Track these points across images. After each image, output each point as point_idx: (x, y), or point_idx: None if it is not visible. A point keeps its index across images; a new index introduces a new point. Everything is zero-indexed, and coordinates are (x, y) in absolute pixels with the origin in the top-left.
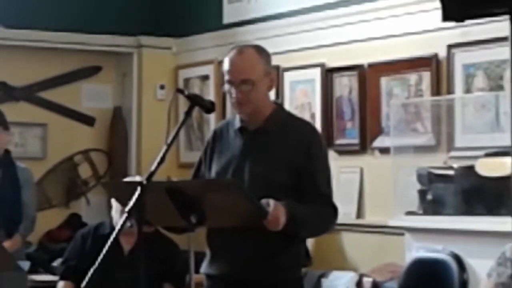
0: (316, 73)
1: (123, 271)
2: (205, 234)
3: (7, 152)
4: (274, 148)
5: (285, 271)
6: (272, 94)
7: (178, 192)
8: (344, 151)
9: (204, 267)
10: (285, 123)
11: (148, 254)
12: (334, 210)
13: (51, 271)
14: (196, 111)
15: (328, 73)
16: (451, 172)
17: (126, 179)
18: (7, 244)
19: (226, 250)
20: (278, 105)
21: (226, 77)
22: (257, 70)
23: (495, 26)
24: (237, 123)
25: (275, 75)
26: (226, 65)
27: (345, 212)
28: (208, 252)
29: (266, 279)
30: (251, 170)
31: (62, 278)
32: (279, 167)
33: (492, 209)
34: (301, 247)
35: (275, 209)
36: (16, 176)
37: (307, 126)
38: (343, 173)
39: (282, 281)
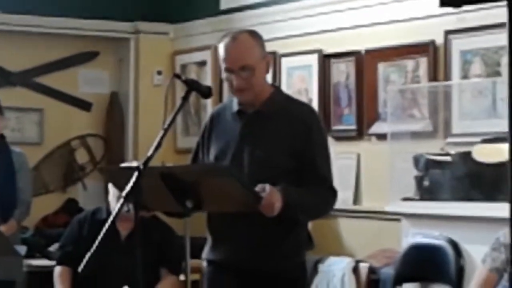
0: (313, 59)
1: (120, 256)
2: (206, 220)
3: (2, 137)
4: (273, 131)
5: (287, 256)
6: (269, 79)
7: (173, 178)
8: (341, 137)
9: (205, 253)
10: (284, 106)
11: (145, 239)
12: (333, 192)
13: (48, 256)
14: (193, 96)
15: (325, 59)
16: (448, 158)
17: (123, 165)
18: (2, 228)
19: (228, 236)
20: (276, 88)
21: (224, 65)
22: (254, 55)
23: (493, 12)
24: (235, 106)
25: (270, 58)
26: (222, 53)
27: (342, 198)
28: (209, 238)
29: (268, 264)
30: (250, 153)
31: (59, 263)
32: (278, 150)
33: (489, 195)
34: (303, 231)
35: (269, 195)
36: (11, 161)
37: (306, 108)
38: (340, 159)
39: (285, 266)
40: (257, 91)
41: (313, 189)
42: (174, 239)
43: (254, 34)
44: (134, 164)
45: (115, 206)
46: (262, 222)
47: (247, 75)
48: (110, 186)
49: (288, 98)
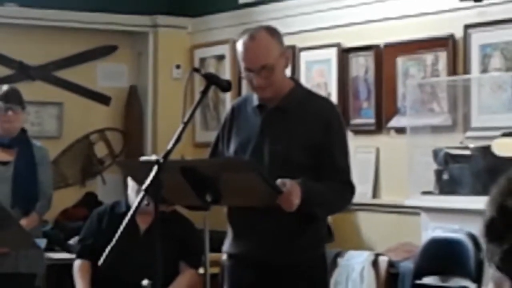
0: (332, 53)
1: (139, 250)
2: (226, 213)
3: (23, 131)
4: (293, 126)
5: (307, 249)
6: (288, 73)
7: (193, 171)
8: (360, 131)
9: (226, 246)
10: (304, 100)
11: (164, 233)
12: (351, 187)
13: (67, 249)
14: (211, 90)
15: (344, 53)
16: (467, 152)
17: (142, 159)
18: (23, 222)
19: (248, 230)
20: (296, 82)
21: (244, 65)
22: (273, 53)
23: None
24: (255, 100)
25: (289, 52)
26: (240, 52)
27: (361, 192)
28: (229, 231)
29: (289, 258)
30: (270, 148)
31: (78, 257)
32: (298, 145)
33: None
34: (322, 224)
35: (289, 190)
36: (32, 155)
37: (326, 103)
38: (359, 153)
39: (305, 259)
40: (277, 87)
41: (331, 184)
42: (194, 232)
43: (272, 31)
44: (153, 158)
45: (134, 200)
46: (282, 216)
47: (267, 73)
48: (129, 179)
49: (308, 93)
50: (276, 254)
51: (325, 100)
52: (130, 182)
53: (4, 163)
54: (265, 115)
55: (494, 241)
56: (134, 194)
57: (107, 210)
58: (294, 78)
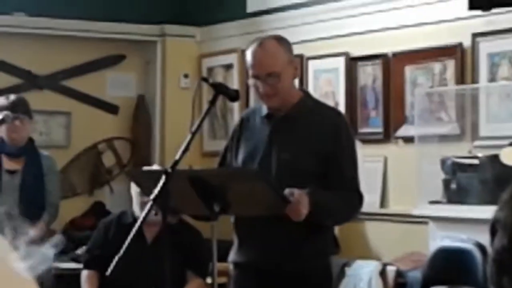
0: (340, 62)
1: (146, 260)
2: (233, 222)
3: (30, 140)
4: (301, 135)
5: (313, 259)
6: (296, 83)
7: (201, 181)
8: (368, 140)
9: (231, 256)
10: (312, 110)
11: (171, 242)
12: (359, 197)
13: (75, 259)
14: (219, 99)
15: (352, 62)
16: (475, 161)
17: (145, 169)
18: (31, 232)
19: (254, 239)
20: (305, 92)
21: (251, 72)
22: (280, 61)
23: None
24: (264, 110)
25: (298, 63)
26: (249, 59)
27: (369, 201)
28: (235, 240)
29: (294, 268)
30: (278, 157)
31: (85, 267)
32: (306, 154)
33: None
34: (328, 235)
35: (297, 200)
36: (40, 164)
37: (335, 113)
38: (367, 162)
39: (310, 269)
40: (283, 97)
41: (340, 193)
42: (201, 242)
43: (281, 40)
44: (155, 167)
45: (139, 213)
46: (286, 224)
47: (273, 81)
48: (133, 192)
49: (317, 103)
50: (281, 262)
51: (334, 110)
52: (134, 197)
53: (12, 172)
54: (273, 124)
55: None
56: (138, 208)
57: (113, 220)
58: (303, 88)
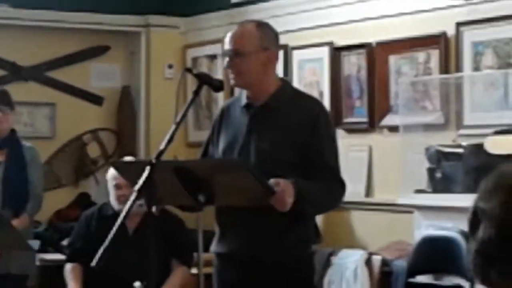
0: (325, 52)
1: (129, 251)
2: (214, 213)
3: (12, 131)
4: (280, 124)
5: (294, 249)
6: (280, 72)
7: (186, 172)
8: (352, 130)
9: (213, 246)
10: (291, 100)
11: (155, 232)
12: (342, 185)
13: (61, 250)
14: (204, 89)
15: (337, 52)
16: (460, 150)
17: (126, 159)
18: (14, 223)
19: (235, 229)
20: (284, 82)
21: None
22: (250, 42)
23: (504, 4)
24: (244, 100)
25: (276, 54)
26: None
27: (354, 190)
28: (217, 231)
29: (275, 257)
30: (257, 147)
31: (69, 261)
32: (285, 144)
33: None
34: (310, 224)
35: (283, 189)
36: (22, 155)
37: (314, 102)
38: (352, 151)
39: (292, 259)
40: (249, 80)
41: (322, 182)
42: (184, 229)
43: (262, 26)
44: (127, 158)
45: (117, 207)
46: (268, 214)
47: (238, 60)
48: (110, 186)
49: (296, 92)
50: (263, 253)
51: (313, 99)
52: (111, 190)
53: None
54: (252, 114)
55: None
56: (115, 201)
57: (94, 212)
58: (283, 78)
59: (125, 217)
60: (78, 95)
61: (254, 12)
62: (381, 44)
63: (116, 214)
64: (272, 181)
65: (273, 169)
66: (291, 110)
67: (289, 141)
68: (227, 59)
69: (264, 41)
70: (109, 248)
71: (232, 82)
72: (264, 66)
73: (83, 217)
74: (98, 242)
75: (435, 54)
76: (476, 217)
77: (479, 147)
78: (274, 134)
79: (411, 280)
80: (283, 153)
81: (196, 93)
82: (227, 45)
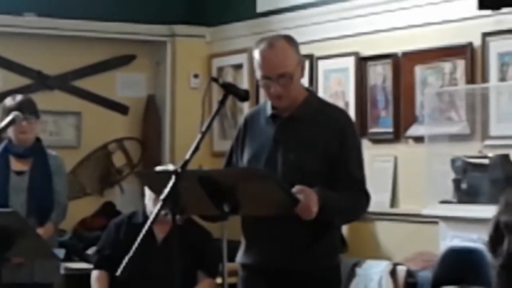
0: (350, 62)
1: (157, 260)
2: (240, 223)
3: (38, 140)
4: (306, 135)
5: (321, 259)
6: (305, 82)
7: (211, 181)
8: (378, 140)
9: (239, 257)
10: (318, 110)
11: (182, 242)
12: (366, 196)
13: (86, 259)
14: (229, 99)
15: (362, 62)
16: (486, 161)
17: (158, 168)
18: (39, 232)
19: (261, 239)
20: (311, 92)
21: (261, 73)
22: (291, 62)
23: None
24: (269, 110)
25: (305, 62)
26: (258, 60)
27: (379, 200)
28: (243, 241)
29: (302, 267)
30: (283, 157)
31: (96, 268)
32: (311, 154)
33: None
34: (336, 234)
35: (307, 199)
36: (47, 164)
37: (340, 113)
38: (377, 161)
39: (319, 269)
40: (293, 97)
41: (347, 193)
42: (210, 241)
43: (290, 40)
44: (170, 167)
45: (152, 209)
46: (295, 225)
47: (285, 82)
48: (147, 188)
49: (322, 102)
50: (289, 263)
51: (339, 110)
52: (148, 191)
53: (19, 173)
54: (278, 125)
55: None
56: (151, 203)
57: (124, 220)
58: (309, 88)
59: (150, 227)
60: (103, 104)
61: (280, 22)
62: (406, 54)
63: (147, 222)
64: (296, 188)
65: (300, 180)
66: (317, 121)
67: (316, 152)
68: (270, 83)
69: (298, 54)
70: (136, 256)
71: (279, 103)
72: (301, 78)
73: (112, 224)
74: (126, 250)
75: (461, 65)
76: (498, 232)
77: (505, 158)
78: (301, 145)
79: None
80: (310, 164)
81: (222, 102)
82: (269, 70)
